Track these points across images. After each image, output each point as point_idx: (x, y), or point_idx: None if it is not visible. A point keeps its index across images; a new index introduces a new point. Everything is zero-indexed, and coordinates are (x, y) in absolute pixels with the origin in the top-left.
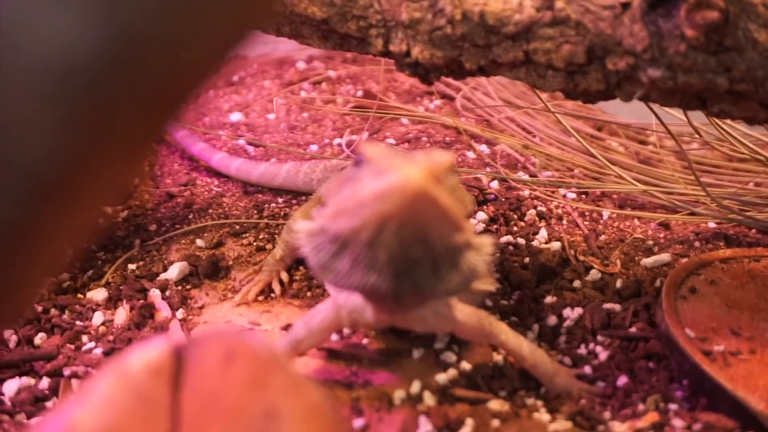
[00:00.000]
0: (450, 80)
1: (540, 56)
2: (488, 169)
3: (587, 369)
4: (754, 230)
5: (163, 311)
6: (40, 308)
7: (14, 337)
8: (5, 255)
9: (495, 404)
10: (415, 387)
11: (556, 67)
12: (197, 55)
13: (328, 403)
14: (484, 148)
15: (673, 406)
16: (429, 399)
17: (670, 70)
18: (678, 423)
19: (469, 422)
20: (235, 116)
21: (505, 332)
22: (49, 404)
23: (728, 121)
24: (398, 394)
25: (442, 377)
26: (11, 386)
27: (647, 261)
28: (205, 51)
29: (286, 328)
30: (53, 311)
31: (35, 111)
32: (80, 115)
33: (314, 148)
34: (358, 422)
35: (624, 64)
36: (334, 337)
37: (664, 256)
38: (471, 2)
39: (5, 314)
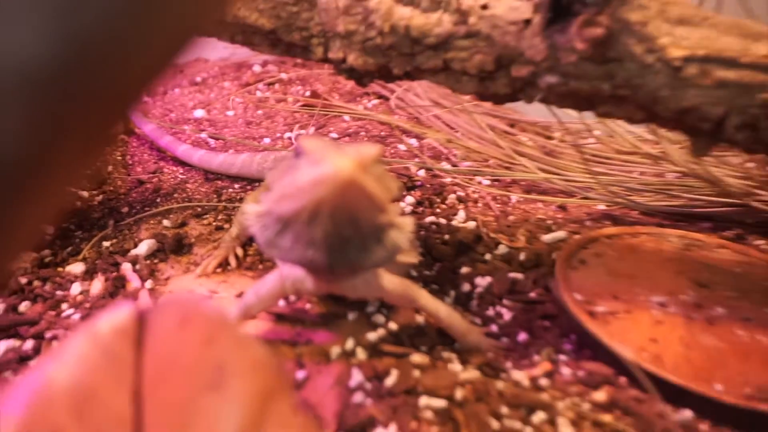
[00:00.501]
0: (385, 83)
1: (456, 64)
2: (416, 160)
3: (494, 327)
4: (636, 212)
5: (134, 282)
6: (24, 280)
7: (1, 306)
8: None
9: (416, 357)
10: (350, 344)
11: (469, 74)
12: (145, 59)
13: (270, 358)
14: (413, 141)
15: (562, 357)
16: (361, 354)
17: (564, 77)
18: (566, 371)
19: (394, 372)
20: (199, 113)
21: (425, 297)
22: (32, 363)
23: (616, 120)
24: (335, 350)
25: (372, 335)
26: None
27: (546, 237)
28: (153, 56)
29: (240, 295)
30: (36, 283)
31: (8, 101)
32: (40, 112)
33: (267, 141)
34: (300, 374)
35: (526, 71)
36: (281, 303)
37: (561, 233)
38: (398, 17)
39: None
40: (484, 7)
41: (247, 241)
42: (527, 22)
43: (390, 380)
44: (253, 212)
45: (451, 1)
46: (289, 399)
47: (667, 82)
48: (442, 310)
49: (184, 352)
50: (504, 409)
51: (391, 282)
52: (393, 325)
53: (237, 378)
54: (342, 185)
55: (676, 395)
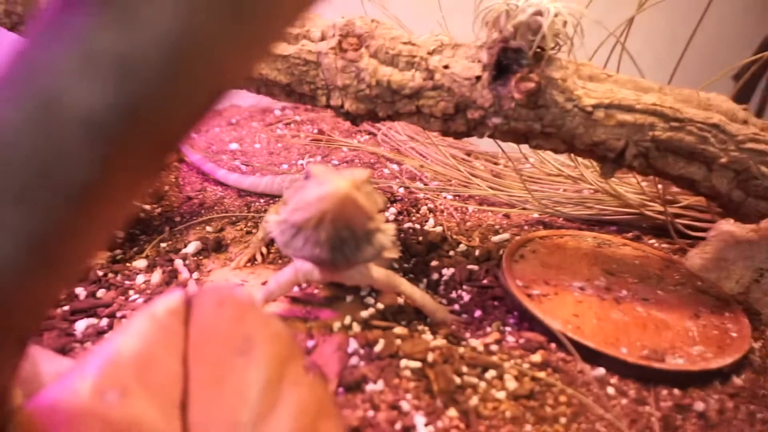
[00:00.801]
0: (373, 123)
1: (426, 109)
2: (397, 180)
3: (456, 306)
4: (561, 219)
5: (184, 274)
6: (101, 273)
7: (84, 292)
8: (66, 241)
9: (398, 330)
10: (347, 320)
11: (436, 116)
12: (188, 110)
13: (286, 331)
14: (395, 166)
15: (508, 329)
16: (356, 327)
17: (506, 118)
18: (510, 339)
19: (381, 341)
20: (233, 146)
21: (404, 284)
22: (107, 336)
23: (545, 151)
24: (336, 324)
25: (364, 313)
26: (81, 325)
27: (495, 238)
28: (194, 108)
29: (264, 283)
30: (110, 275)
31: (73, 151)
32: (103, 150)
33: (285, 166)
34: (310, 342)
35: (478, 114)
36: (296, 289)
37: (506, 235)
38: (381, 74)
39: (73, 277)
40: (446, 66)
41: (270, 242)
42: (478, 78)
43: (378, 347)
44: (273, 221)
45: (421, 62)
46: (301, 362)
47: (581, 122)
48: (417, 293)
49: (220, 327)
50: (464, 368)
51: (378, 272)
52: (380, 305)
53: (261, 346)
54: (340, 200)
55: (592, 357)
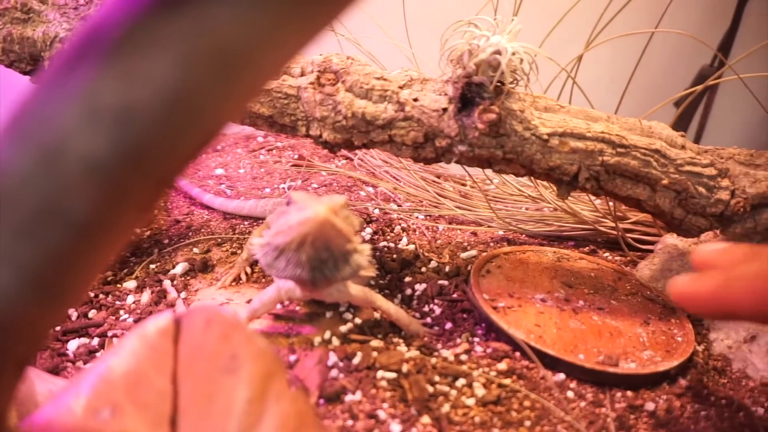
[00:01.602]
0: (349, 150)
1: (398, 138)
2: (373, 202)
3: (428, 320)
4: (523, 235)
5: (172, 294)
6: (92, 294)
7: (75, 313)
8: (67, 273)
9: (375, 343)
10: (327, 334)
11: (407, 144)
12: (183, 152)
13: (270, 348)
14: (370, 189)
15: (476, 339)
16: (335, 341)
17: (470, 146)
18: (479, 348)
19: (359, 354)
20: (219, 171)
21: (380, 300)
22: (98, 355)
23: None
24: (317, 339)
25: (343, 328)
26: (73, 344)
27: (464, 255)
28: (189, 149)
29: (249, 302)
30: (101, 296)
31: (76, 191)
32: (103, 190)
33: (268, 190)
34: (292, 357)
35: (445, 143)
36: (278, 306)
37: (473, 252)
38: (357, 107)
39: (71, 305)
40: (416, 99)
41: (254, 263)
42: (445, 110)
43: (356, 360)
44: (257, 243)
45: (393, 96)
46: (284, 377)
47: (539, 149)
48: (392, 308)
49: (208, 345)
50: (437, 378)
51: (355, 290)
52: (358, 320)
53: (246, 363)
54: (320, 224)
55: (553, 363)
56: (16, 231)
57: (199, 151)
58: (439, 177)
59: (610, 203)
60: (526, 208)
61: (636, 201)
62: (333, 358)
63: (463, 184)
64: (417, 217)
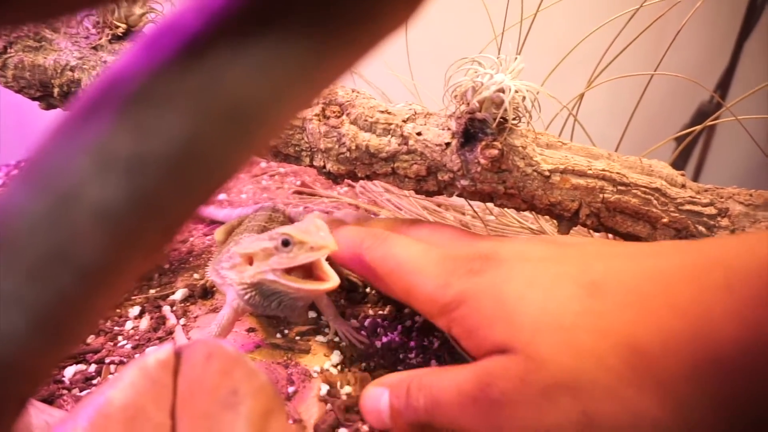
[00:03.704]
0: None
1: (401, 171)
2: None
3: (416, 357)
4: None
5: (171, 320)
6: None
7: None
8: (76, 315)
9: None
10: (326, 364)
11: (409, 177)
12: (195, 198)
13: (270, 384)
14: (372, 216)
15: None
16: (333, 371)
17: (473, 181)
18: None
19: (352, 384)
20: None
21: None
22: (95, 382)
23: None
24: (315, 369)
25: (335, 358)
26: (70, 371)
27: None
28: (201, 195)
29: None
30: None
31: (88, 237)
32: (115, 237)
33: None
34: (290, 388)
35: (447, 177)
36: (278, 336)
37: None
38: (360, 139)
39: (78, 345)
40: (419, 134)
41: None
42: (448, 144)
43: (348, 389)
44: (237, 284)
45: (396, 129)
46: (283, 414)
47: (540, 185)
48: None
49: (208, 379)
50: None
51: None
52: (348, 353)
53: (247, 399)
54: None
55: None
56: (27, 274)
57: (208, 199)
58: (440, 206)
59: (609, 236)
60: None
61: (636, 238)
62: (325, 388)
63: (463, 213)
64: None
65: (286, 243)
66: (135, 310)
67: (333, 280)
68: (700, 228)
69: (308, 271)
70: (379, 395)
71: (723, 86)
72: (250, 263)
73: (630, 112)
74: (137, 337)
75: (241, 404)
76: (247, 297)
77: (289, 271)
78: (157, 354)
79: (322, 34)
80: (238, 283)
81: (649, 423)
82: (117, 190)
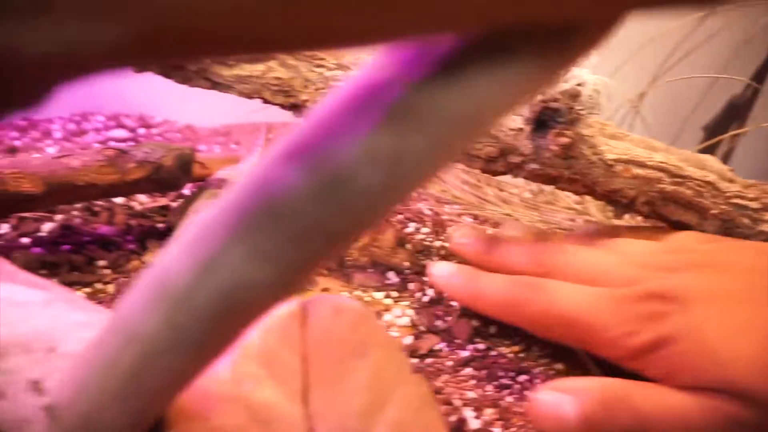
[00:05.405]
0: None
1: (474, 151)
2: (424, 202)
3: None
4: None
5: None
6: None
7: None
8: (311, 272)
9: None
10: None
11: (480, 158)
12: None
13: (395, 339)
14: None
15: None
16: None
17: (542, 165)
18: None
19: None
20: None
21: None
22: None
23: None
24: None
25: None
26: None
27: None
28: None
29: None
30: None
31: (347, 214)
32: (370, 215)
33: None
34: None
35: (518, 160)
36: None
37: None
38: None
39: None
40: None
41: None
42: (521, 129)
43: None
44: None
45: None
46: (408, 365)
47: (603, 173)
48: None
49: (337, 331)
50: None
51: None
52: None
53: (375, 350)
54: None
55: None
56: (289, 238)
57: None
58: (479, 181)
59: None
60: (572, 220)
61: (685, 226)
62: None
63: (502, 190)
64: (464, 219)
65: None
66: None
67: None
68: (745, 220)
69: None
70: (560, 402)
71: (758, 78)
72: None
73: (686, 109)
74: None
75: (369, 354)
76: None
77: None
78: (285, 306)
79: (556, 65)
80: None
81: None
82: (380, 178)
